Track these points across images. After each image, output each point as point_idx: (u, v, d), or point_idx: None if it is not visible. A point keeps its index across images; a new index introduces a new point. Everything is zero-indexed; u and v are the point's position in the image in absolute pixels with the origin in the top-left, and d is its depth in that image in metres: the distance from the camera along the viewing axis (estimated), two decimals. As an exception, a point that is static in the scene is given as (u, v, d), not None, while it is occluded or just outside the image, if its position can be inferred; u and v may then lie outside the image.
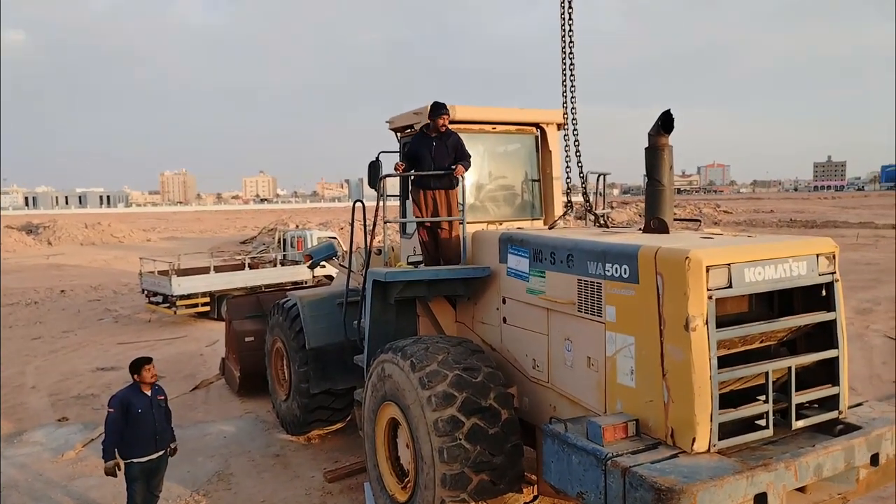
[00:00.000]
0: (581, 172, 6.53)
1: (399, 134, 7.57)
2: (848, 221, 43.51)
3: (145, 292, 17.49)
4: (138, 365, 5.71)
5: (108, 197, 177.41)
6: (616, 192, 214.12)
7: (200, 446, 8.23)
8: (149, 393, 5.71)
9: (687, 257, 3.81)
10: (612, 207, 48.72)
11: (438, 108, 6.26)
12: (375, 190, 6.59)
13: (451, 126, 6.43)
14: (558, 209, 7.27)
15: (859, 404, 4.63)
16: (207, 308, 16.63)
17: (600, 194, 7.05)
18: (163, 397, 5.89)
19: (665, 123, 5.03)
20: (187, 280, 16.36)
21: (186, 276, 16.74)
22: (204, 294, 16.55)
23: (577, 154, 6.48)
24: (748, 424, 4.09)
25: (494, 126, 7.15)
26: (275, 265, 19.47)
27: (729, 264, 3.91)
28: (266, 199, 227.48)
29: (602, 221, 6.66)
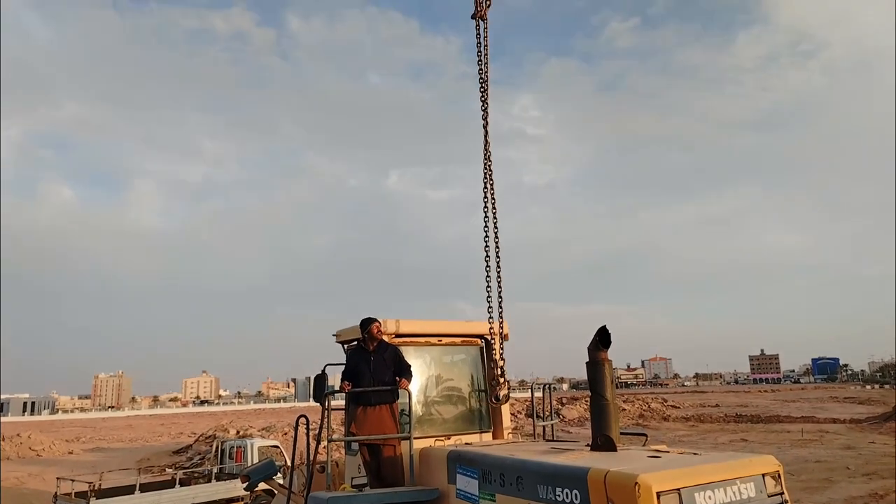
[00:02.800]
0: (503, 377, 6.68)
1: (346, 346, 7.58)
2: (791, 416, 44.15)
3: (59, 519, 15.69)
4: None
5: (33, 403, 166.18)
6: (565, 386, 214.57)
7: None
8: None
9: (636, 483, 3.74)
10: (561, 404, 48.53)
11: (366, 322, 6.40)
12: (320, 404, 6.42)
13: (396, 340, 6.50)
14: (506, 420, 7.20)
15: None
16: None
17: (548, 404, 7.08)
18: None
19: (603, 339, 5.23)
20: (108, 503, 14.86)
21: (108, 497, 15.23)
22: (127, 518, 14.95)
23: (502, 367, 6.66)
24: None
25: (440, 339, 7.28)
26: (209, 480, 18.02)
27: (679, 489, 3.85)
28: (207, 401, 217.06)
29: (551, 433, 6.61)
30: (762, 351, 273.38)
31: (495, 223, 7.05)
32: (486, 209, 7.03)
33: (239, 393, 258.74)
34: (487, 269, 6.84)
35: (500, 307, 6.79)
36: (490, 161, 7.22)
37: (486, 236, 6.96)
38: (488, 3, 7.45)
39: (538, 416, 7.16)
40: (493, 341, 7.04)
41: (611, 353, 5.28)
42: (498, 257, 6.93)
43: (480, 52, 7.24)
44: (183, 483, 16.78)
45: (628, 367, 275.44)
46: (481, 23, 7.32)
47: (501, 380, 6.71)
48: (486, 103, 7.21)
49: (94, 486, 15.87)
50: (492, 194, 7.12)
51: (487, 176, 7.18)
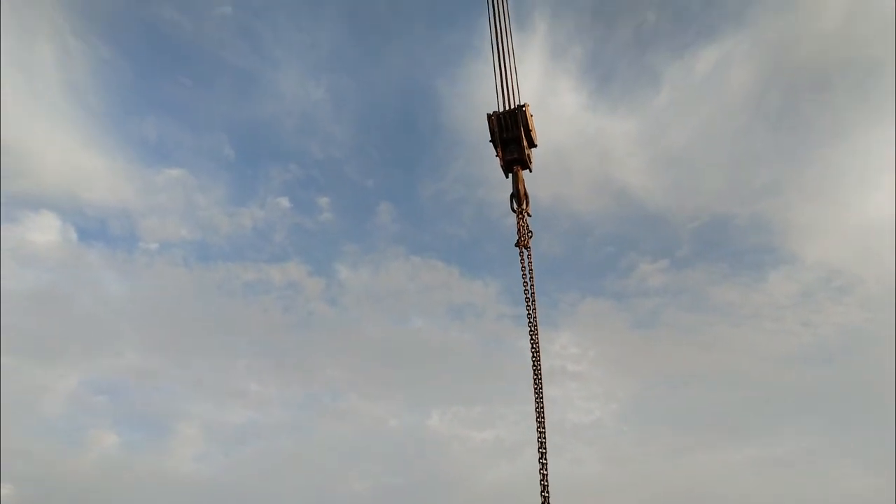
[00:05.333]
0: None
1: None
2: None
3: None
4: None
5: None
6: None
7: None
8: None
9: None
10: None
11: None
12: None
13: None
14: None
15: None
16: None
17: None
18: None
19: None
20: None
21: None
22: None
23: None
24: None
25: None
26: None
27: None
28: None
29: None
30: None
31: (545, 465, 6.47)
32: (541, 448, 6.55)
33: None
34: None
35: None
36: (541, 397, 6.87)
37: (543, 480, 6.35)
38: (530, 234, 7.68)
39: None
40: None
41: None
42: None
43: (526, 279, 7.29)
44: None
45: None
46: (524, 251, 7.44)
47: None
48: (535, 325, 7.03)
49: None
50: (541, 431, 6.64)
51: (539, 413, 6.78)
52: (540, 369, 7.03)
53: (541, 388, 6.95)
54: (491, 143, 8.47)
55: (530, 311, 7.11)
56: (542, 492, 6.46)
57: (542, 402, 6.89)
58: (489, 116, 8.55)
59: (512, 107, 8.55)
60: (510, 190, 8.19)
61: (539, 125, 8.73)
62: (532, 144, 8.45)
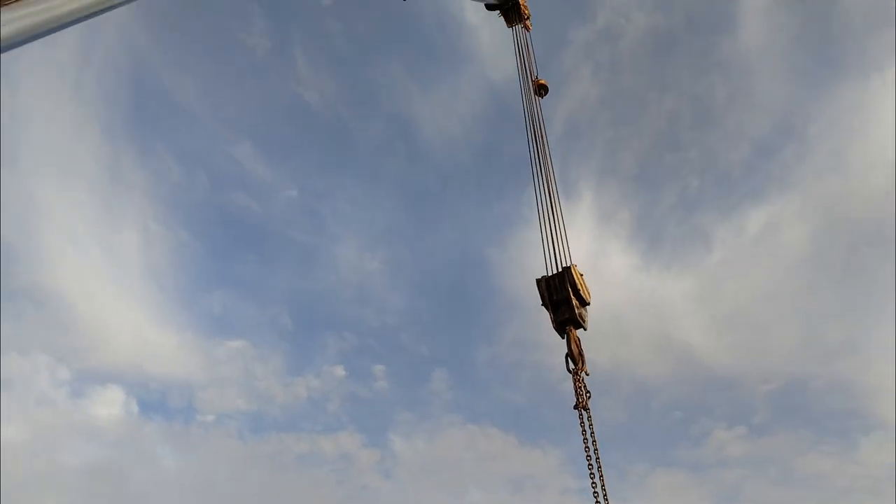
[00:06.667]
0: None
1: None
2: None
3: None
4: None
5: None
6: None
7: None
8: None
9: None
10: None
11: None
12: None
13: None
14: None
15: None
16: None
17: None
18: None
19: None
20: None
21: None
22: None
23: None
24: None
25: None
26: None
27: None
28: None
29: None
30: None
31: None
32: None
33: None
34: None
35: None
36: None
37: None
38: (588, 394, 7.28)
39: None
40: None
41: None
42: None
43: (588, 444, 6.78)
44: None
45: None
46: (584, 413, 6.99)
47: None
48: (606, 499, 6.30)
49: None
50: None
51: None
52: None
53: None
54: (543, 307, 8.41)
55: (594, 480, 6.45)
56: None
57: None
58: (538, 281, 8.60)
59: (560, 269, 8.60)
60: (566, 352, 7.93)
61: (592, 288, 8.63)
62: (584, 303, 8.30)
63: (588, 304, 8.34)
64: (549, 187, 10.24)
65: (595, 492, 6.38)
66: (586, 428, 6.87)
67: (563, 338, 8.13)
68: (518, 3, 13.30)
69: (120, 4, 5.96)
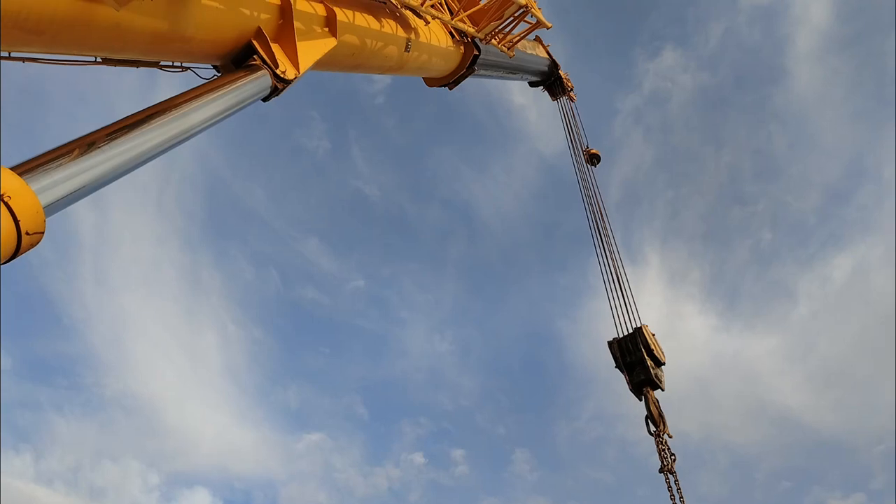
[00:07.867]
0: None
1: None
2: None
3: None
4: None
5: None
6: None
7: None
8: None
9: None
10: None
11: None
12: None
13: None
14: None
15: None
16: None
17: None
18: None
19: None
20: None
21: None
22: None
23: None
24: None
25: None
26: None
27: None
28: None
29: None
30: None
31: None
32: None
33: None
34: None
35: None
36: None
37: None
38: (673, 457, 7.09)
39: None
40: None
41: None
42: None
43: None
44: None
45: None
46: (671, 476, 6.80)
47: None
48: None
49: None
50: None
51: None
52: None
53: None
54: (617, 370, 8.34)
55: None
56: None
57: None
58: (610, 343, 8.58)
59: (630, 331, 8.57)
60: (645, 415, 7.79)
61: (669, 352, 8.51)
62: (659, 363, 8.20)
63: (663, 363, 8.22)
64: (610, 249, 10.34)
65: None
66: (675, 493, 6.67)
67: (640, 400, 8.01)
68: (560, 76, 13.83)
69: (196, 134, 6.71)
